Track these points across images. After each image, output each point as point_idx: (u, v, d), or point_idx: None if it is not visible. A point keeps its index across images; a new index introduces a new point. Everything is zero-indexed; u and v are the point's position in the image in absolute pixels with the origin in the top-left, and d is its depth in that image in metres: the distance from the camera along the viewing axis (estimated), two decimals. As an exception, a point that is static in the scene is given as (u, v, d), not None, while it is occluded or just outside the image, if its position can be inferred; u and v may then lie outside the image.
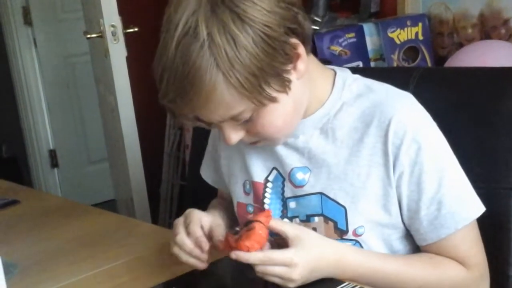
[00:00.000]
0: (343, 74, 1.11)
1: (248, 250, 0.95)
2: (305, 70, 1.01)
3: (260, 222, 0.97)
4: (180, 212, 1.10)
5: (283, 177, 1.12)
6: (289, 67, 0.98)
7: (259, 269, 0.96)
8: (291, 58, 0.98)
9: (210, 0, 0.93)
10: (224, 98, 0.94)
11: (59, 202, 1.77)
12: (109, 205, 3.09)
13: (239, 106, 0.96)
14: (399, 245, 1.09)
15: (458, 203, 1.02)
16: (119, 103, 2.53)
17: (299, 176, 1.10)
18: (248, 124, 1.00)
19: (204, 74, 0.91)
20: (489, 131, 1.12)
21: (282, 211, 1.11)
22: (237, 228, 1.06)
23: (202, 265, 1.06)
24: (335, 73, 1.11)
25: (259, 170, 1.15)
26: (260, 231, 0.96)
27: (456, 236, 1.03)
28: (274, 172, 1.13)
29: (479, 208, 1.04)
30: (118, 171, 2.77)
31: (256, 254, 0.96)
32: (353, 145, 1.05)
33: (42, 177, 4.01)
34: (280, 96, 0.98)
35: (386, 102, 1.05)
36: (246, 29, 0.92)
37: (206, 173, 1.33)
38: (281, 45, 0.95)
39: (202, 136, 1.37)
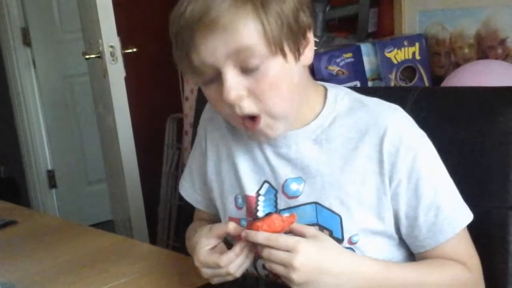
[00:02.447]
0: (334, 89, 1.13)
1: (259, 229, 0.97)
2: (310, 59, 1.05)
3: (280, 215, 0.98)
4: (178, 232, 1.10)
5: (275, 189, 1.12)
6: (303, 43, 1.02)
7: (265, 253, 0.96)
8: (304, 37, 1.02)
9: None
10: (247, 24, 0.96)
11: (57, 223, 1.76)
12: (108, 226, 3.09)
13: (254, 37, 0.96)
14: (394, 252, 1.10)
15: (453, 209, 1.05)
16: (118, 123, 2.54)
17: (293, 187, 1.10)
18: (253, 80, 0.99)
19: None
20: (485, 150, 1.12)
21: None
22: (258, 215, 1.08)
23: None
24: (326, 89, 1.13)
25: (250, 183, 1.14)
26: (276, 220, 0.97)
27: (453, 240, 1.04)
28: (266, 185, 1.13)
29: (470, 214, 1.06)
30: (116, 191, 2.76)
31: (263, 234, 0.96)
32: (347, 154, 1.06)
33: (40, 198, 4.00)
34: (290, 58, 1.00)
35: (379, 113, 1.07)
36: None
37: (188, 191, 1.31)
38: (303, 19, 1.01)
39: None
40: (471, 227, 1.07)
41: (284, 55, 0.99)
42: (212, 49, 0.97)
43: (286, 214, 1.01)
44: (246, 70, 0.98)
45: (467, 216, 1.06)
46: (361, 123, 1.07)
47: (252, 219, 1.08)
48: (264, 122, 1.03)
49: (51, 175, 4.00)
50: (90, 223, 3.12)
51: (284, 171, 1.11)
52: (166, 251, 1.47)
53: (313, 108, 1.10)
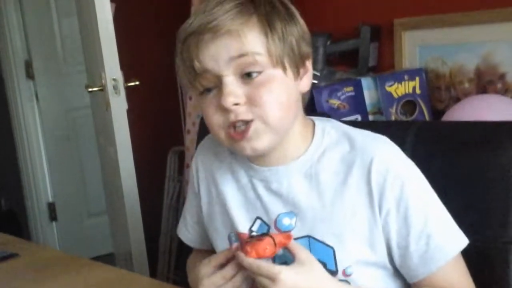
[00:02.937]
0: (321, 123, 1.14)
1: (247, 255, 1.01)
2: (307, 87, 1.09)
3: (272, 237, 1.01)
4: (178, 265, 1.11)
5: (268, 225, 1.12)
6: (302, 69, 1.07)
7: (252, 275, 1.01)
8: (304, 64, 1.07)
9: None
10: (251, 32, 1.00)
11: (58, 255, 1.76)
12: (108, 259, 3.07)
13: (258, 47, 1.00)
14: (390, 284, 1.10)
15: (445, 235, 1.04)
16: (119, 155, 2.54)
17: (285, 221, 1.10)
18: (252, 88, 1.01)
19: (240, 7, 1.01)
20: (486, 184, 1.13)
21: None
22: (254, 233, 1.10)
23: None
24: (314, 123, 1.14)
25: (242, 220, 1.15)
26: (267, 246, 1.01)
27: (446, 268, 1.04)
28: (258, 221, 1.13)
29: (464, 240, 1.05)
30: (117, 224, 2.76)
31: (248, 260, 1.00)
32: (336, 187, 1.07)
33: (40, 230, 3.99)
34: (290, 74, 1.04)
35: (365, 145, 1.08)
36: (288, 14, 1.05)
37: (181, 230, 1.34)
38: (304, 48, 1.06)
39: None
40: (472, 260, 1.07)
41: (284, 69, 1.03)
42: (215, 55, 1.01)
43: (280, 234, 1.05)
44: (246, 77, 1.01)
45: (460, 243, 1.05)
46: (348, 156, 1.08)
47: (248, 236, 1.09)
48: (254, 128, 1.03)
49: (51, 207, 4.00)
50: (91, 256, 3.10)
51: (276, 207, 1.11)
52: (166, 285, 1.46)
53: (302, 142, 1.11)
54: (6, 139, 3.97)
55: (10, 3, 3.75)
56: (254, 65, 1.00)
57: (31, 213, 4.00)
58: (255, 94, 1.01)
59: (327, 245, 1.06)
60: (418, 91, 2.18)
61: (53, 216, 4.00)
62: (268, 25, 1.01)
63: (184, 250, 1.41)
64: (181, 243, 1.37)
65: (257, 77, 1.01)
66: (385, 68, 2.37)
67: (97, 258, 3.25)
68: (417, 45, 2.29)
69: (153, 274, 2.99)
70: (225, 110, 1.02)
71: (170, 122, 3.35)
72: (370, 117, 2.17)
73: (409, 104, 2.18)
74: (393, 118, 2.14)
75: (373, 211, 1.04)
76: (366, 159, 1.05)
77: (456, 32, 2.17)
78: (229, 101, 1.00)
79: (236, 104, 1.01)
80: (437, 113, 2.20)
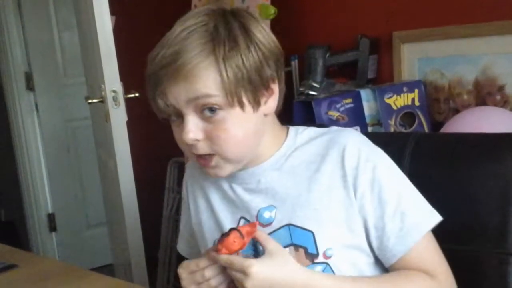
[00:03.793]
0: (295, 127, 1.20)
1: (219, 252, 1.04)
2: (273, 109, 1.12)
3: (238, 230, 1.05)
4: (177, 276, 1.12)
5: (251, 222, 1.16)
6: (264, 94, 1.09)
7: (228, 270, 1.05)
8: (267, 88, 1.09)
9: (222, 13, 1.08)
10: (207, 75, 1.03)
11: (57, 266, 1.76)
12: (107, 270, 3.07)
13: (212, 88, 1.03)
14: (372, 271, 1.12)
15: (419, 212, 1.09)
16: (119, 166, 2.54)
17: (266, 215, 1.15)
18: (210, 125, 1.06)
19: (200, 47, 1.03)
20: (484, 195, 1.13)
21: (253, 255, 1.13)
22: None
23: None
24: (288, 128, 1.20)
25: (228, 223, 1.19)
26: (234, 240, 1.04)
27: (419, 246, 1.07)
28: (242, 221, 1.18)
29: (437, 216, 1.09)
30: (117, 235, 2.76)
31: (221, 256, 1.04)
32: (311, 176, 1.12)
33: (40, 241, 3.99)
34: (248, 109, 1.07)
35: (338, 136, 1.14)
36: (248, 41, 1.06)
37: (184, 249, 1.39)
38: (266, 72, 1.08)
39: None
40: (470, 271, 1.07)
41: (241, 105, 1.06)
42: (175, 95, 1.06)
43: (246, 225, 1.09)
44: (204, 116, 1.06)
45: (434, 218, 1.09)
46: (321, 148, 1.14)
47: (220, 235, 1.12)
48: (215, 162, 1.10)
49: (51, 218, 4.00)
50: (90, 267, 3.09)
51: (256, 203, 1.16)
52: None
53: (276, 143, 1.17)
54: (6, 150, 3.98)
55: (10, 15, 3.77)
56: (210, 106, 1.05)
57: (30, 224, 4.00)
58: (212, 132, 1.07)
59: (307, 230, 1.10)
60: (417, 103, 2.18)
61: (52, 227, 4.00)
62: (223, 64, 1.03)
63: (183, 261, 1.42)
64: (180, 254, 1.39)
65: (214, 116, 1.05)
66: (384, 80, 2.38)
67: (96, 269, 3.25)
68: (416, 58, 2.30)
69: (152, 285, 2.98)
70: (186, 143, 1.08)
71: (169, 133, 3.34)
72: (369, 129, 2.17)
73: (408, 116, 2.19)
74: (392, 129, 2.15)
75: (348, 193, 1.09)
76: (340, 145, 1.11)
77: (455, 44, 2.18)
78: (189, 138, 1.07)
79: (197, 140, 1.07)
80: (436, 125, 2.20)
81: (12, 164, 3.96)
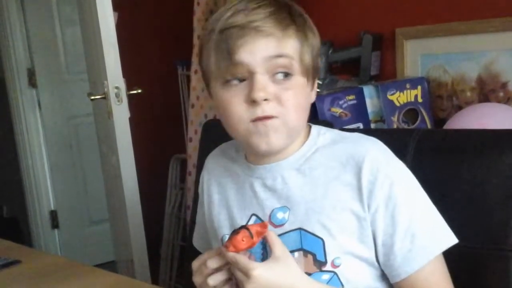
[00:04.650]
0: (318, 126, 1.20)
1: (227, 249, 1.04)
2: (313, 99, 1.16)
3: (247, 229, 1.04)
4: (180, 272, 1.12)
5: (262, 220, 1.15)
6: (315, 81, 1.15)
7: (232, 269, 1.05)
8: (315, 78, 1.15)
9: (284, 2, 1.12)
10: (292, 39, 1.07)
11: (60, 262, 1.76)
12: (110, 266, 3.07)
13: (294, 52, 1.08)
14: (377, 284, 1.11)
15: (429, 235, 1.07)
16: (121, 163, 2.55)
17: (279, 215, 1.14)
18: (280, 88, 1.07)
19: (282, 15, 1.08)
20: (486, 192, 1.13)
21: (262, 254, 1.13)
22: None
23: None
24: (310, 126, 1.20)
25: (239, 218, 1.19)
26: (243, 239, 1.03)
27: (426, 269, 1.06)
28: (253, 218, 1.17)
29: (451, 239, 1.07)
30: (119, 231, 2.76)
31: (228, 254, 1.04)
32: (328, 182, 1.11)
33: (42, 238, 3.99)
34: (309, 83, 1.12)
35: (358, 145, 1.12)
36: (316, 34, 1.14)
37: (194, 238, 1.40)
38: (318, 64, 1.17)
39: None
40: (472, 268, 1.07)
41: (308, 78, 1.11)
42: (254, 51, 1.06)
43: (257, 224, 1.07)
44: (275, 79, 1.07)
45: (445, 242, 1.07)
46: (341, 153, 1.12)
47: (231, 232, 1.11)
48: (274, 125, 1.08)
49: (53, 215, 4.00)
50: (92, 264, 3.09)
51: (271, 202, 1.15)
52: (168, 292, 1.47)
53: (297, 142, 1.16)
54: (9, 147, 3.98)
55: (13, 11, 3.77)
56: (287, 67, 1.07)
57: (33, 221, 4.00)
58: (282, 95, 1.07)
59: (317, 236, 1.09)
60: (420, 99, 2.18)
61: (55, 224, 4.00)
62: (303, 36, 1.09)
63: (185, 258, 1.42)
64: (183, 250, 1.39)
65: (287, 79, 1.08)
66: (387, 76, 2.38)
67: (99, 266, 3.24)
68: (419, 54, 2.30)
69: (155, 281, 2.99)
70: (252, 104, 1.06)
71: (172, 130, 3.36)
72: (372, 125, 2.17)
73: (411, 112, 2.18)
74: (395, 126, 2.15)
75: (363, 206, 1.07)
76: (359, 157, 1.09)
77: (458, 41, 2.18)
78: (260, 95, 1.05)
79: (266, 99, 1.06)
80: (439, 122, 2.20)
81: (15, 160, 3.96)
